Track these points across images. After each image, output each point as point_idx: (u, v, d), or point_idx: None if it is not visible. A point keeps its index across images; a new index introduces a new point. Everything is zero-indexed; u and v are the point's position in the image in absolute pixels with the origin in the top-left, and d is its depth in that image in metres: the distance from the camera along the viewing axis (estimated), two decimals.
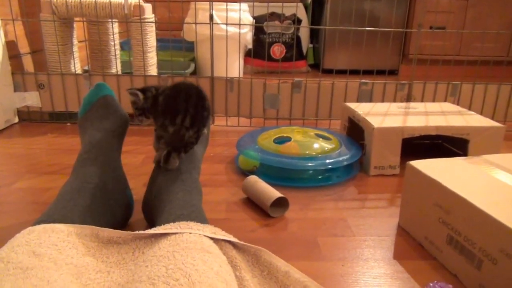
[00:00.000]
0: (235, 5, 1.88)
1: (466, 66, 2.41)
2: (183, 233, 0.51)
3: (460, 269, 0.62)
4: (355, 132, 1.12)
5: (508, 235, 0.53)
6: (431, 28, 2.50)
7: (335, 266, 0.66)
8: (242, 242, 0.56)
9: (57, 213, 0.58)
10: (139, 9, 1.37)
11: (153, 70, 1.46)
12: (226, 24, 1.44)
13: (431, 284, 0.54)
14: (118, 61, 1.60)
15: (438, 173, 0.69)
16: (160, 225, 0.56)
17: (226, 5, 1.49)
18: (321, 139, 1.06)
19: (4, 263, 0.44)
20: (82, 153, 0.72)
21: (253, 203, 0.86)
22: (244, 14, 2.02)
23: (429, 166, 0.72)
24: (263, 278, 0.53)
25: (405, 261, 0.68)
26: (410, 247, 0.72)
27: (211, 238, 0.53)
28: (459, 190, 0.63)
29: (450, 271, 0.65)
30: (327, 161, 0.95)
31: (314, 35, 2.75)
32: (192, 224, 0.54)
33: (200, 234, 0.52)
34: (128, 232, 0.54)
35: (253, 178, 0.88)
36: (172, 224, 0.54)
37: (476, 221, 0.59)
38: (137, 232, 0.54)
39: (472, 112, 1.16)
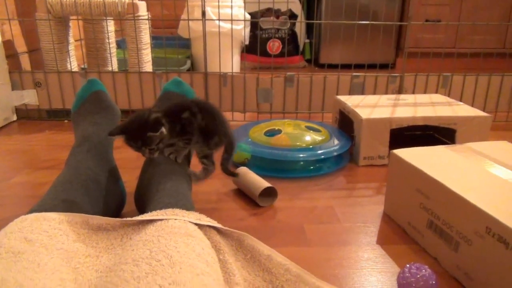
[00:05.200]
0: (229, 2, 1.89)
1: (462, 59, 2.42)
2: (169, 219, 0.54)
3: (439, 252, 0.65)
4: (346, 124, 1.14)
5: (481, 217, 0.55)
6: (427, 21, 2.51)
7: (320, 251, 0.68)
8: (226, 228, 0.58)
9: (49, 203, 0.60)
10: (133, 6, 1.39)
11: (148, 67, 1.48)
12: (219, 20, 1.46)
13: (408, 265, 0.56)
14: (114, 59, 1.62)
15: (419, 161, 0.71)
16: (148, 212, 0.58)
17: (218, 1, 1.51)
18: (311, 131, 1.08)
19: None
20: (75, 146, 0.75)
21: (243, 194, 0.88)
22: (239, 10, 2.04)
23: (411, 154, 0.74)
24: (246, 262, 0.56)
25: (388, 245, 0.70)
26: (394, 232, 0.74)
27: (196, 224, 0.55)
28: (437, 176, 0.65)
29: (431, 254, 0.67)
30: (317, 152, 0.98)
31: (310, 30, 2.76)
32: (177, 211, 0.56)
33: (185, 220, 0.54)
34: (117, 219, 0.57)
35: (243, 169, 0.90)
36: (159, 211, 0.57)
37: (453, 205, 0.61)
38: (125, 219, 0.56)
39: (461, 103, 1.17)
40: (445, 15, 2.53)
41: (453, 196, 0.61)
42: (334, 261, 0.65)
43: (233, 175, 0.83)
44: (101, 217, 0.57)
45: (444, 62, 2.31)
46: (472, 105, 1.42)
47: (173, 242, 0.48)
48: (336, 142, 1.03)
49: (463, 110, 1.09)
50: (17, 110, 1.40)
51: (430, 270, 0.55)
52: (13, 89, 1.35)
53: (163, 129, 0.69)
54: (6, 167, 1.01)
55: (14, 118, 1.39)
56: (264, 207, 0.83)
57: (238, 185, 0.89)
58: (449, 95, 1.44)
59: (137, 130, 0.69)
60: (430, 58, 1.49)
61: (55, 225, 0.53)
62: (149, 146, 0.69)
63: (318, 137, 1.05)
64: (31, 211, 0.57)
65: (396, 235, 0.73)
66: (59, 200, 0.61)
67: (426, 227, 0.68)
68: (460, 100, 1.42)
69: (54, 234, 0.52)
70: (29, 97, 1.36)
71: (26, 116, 1.41)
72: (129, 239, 0.53)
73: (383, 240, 0.71)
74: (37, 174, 0.97)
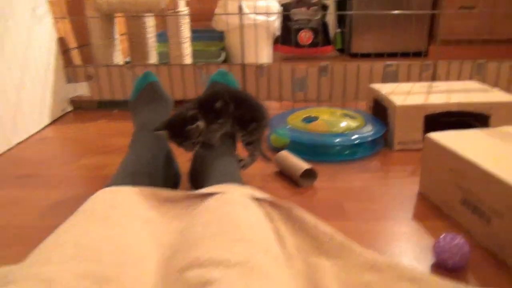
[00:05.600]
0: None
1: (496, 45, 2.38)
2: (226, 192, 0.62)
3: (472, 226, 0.70)
4: (380, 111, 1.19)
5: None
6: (461, 8, 2.48)
7: (358, 225, 0.74)
8: (276, 199, 0.65)
9: (120, 180, 0.69)
10: (173, 2, 1.47)
11: (188, 59, 1.57)
12: (255, 13, 1.52)
13: (443, 235, 0.62)
14: (155, 52, 1.72)
15: (452, 143, 0.76)
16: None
17: None
18: (347, 117, 1.14)
19: (88, 213, 0.56)
20: (136, 132, 0.84)
21: (285, 176, 0.95)
22: (272, 2, 2.09)
23: (445, 137, 0.79)
24: (295, 230, 0.63)
25: (423, 221, 0.75)
26: (428, 209, 0.79)
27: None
28: (470, 155, 0.69)
29: (464, 228, 0.72)
30: (353, 137, 1.03)
31: (342, 20, 2.78)
32: (234, 185, 0.64)
33: (240, 194, 0.62)
34: (182, 191, 0.65)
35: (285, 152, 0.97)
36: (216, 185, 0.64)
37: (486, 183, 0.65)
38: (188, 192, 0.65)
39: (496, 89, 1.19)
40: (479, 1, 2.48)
41: (486, 174, 0.65)
42: (372, 234, 0.71)
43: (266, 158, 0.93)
44: (168, 190, 0.65)
45: (478, 48, 2.28)
46: (508, 92, 1.43)
47: (233, 210, 0.56)
48: (370, 128, 1.08)
49: (497, 96, 1.11)
50: (72, 102, 1.52)
51: (463, 240, 0.60)
52: (67, 82, 1.47)
53: (199, 123, 0.75)
54: (70, 152, 1.12)
55: (70, 108, 1.51)
56: (304, 187, 0.89)
57: (280, 168, 0.96)
58: (484, 82, 1.44)
59: (177, 127, 0.75)
60: (463, 45, 1.50)
61: (130, 196, 0.62)
62: (190, 139, 0.75)
63: (353, 123, 1.10)
64: (106, 186, 0.66)
65: (430, 212, 0.78)
66: (128, 178, 0.70)
67: (460, 203, 0.72)
68: (495, 87, 1.43)
69: (130, 204, 0.60)
70: (82, 90, 1.48)
71: (80, 107, 1.53)
72: (193, 209, 0.61)
73: (418, 216, 0.77)
74: (97, 158, 1.08)
